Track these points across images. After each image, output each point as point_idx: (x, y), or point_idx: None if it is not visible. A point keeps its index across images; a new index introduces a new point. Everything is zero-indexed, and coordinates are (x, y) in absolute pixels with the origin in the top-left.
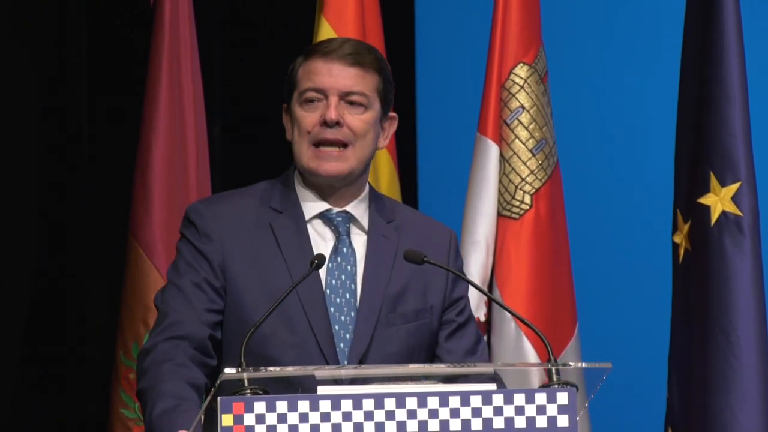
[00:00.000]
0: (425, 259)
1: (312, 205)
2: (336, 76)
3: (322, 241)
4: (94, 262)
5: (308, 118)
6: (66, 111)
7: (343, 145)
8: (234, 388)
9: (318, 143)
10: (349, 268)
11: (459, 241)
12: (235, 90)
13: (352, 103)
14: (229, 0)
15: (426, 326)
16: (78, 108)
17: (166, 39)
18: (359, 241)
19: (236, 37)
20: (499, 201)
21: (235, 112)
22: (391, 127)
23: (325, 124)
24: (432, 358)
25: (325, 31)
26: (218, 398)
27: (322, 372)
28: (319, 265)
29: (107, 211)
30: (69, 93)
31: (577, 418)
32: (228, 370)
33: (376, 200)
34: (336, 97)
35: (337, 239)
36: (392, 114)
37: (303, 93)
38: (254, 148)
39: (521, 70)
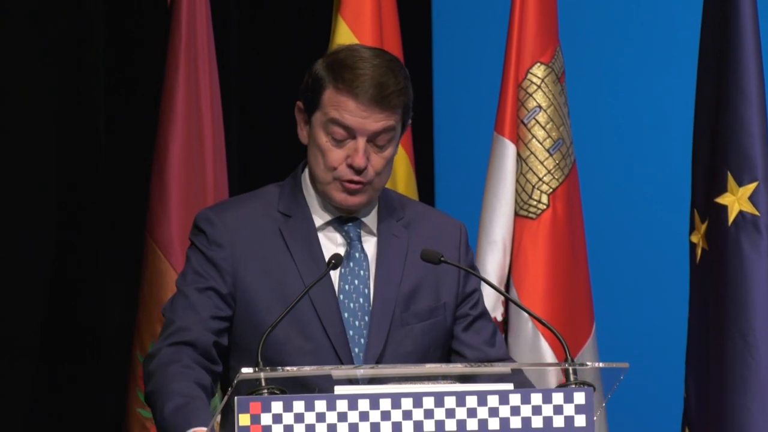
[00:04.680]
0: (442, 259)
1: (322, 212)
2: (367, 118)
3: (332, 246)
4: (111, 262)
5: (334, 153)
6: (83, 111)
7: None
8: (251, 388)
9: (341, 180)
10: (362, 272)
11: (475, 237)
12: (252, 90)
13: (377, 144)
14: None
15: (440, 324)
16: (95, 108)
17: (183, 39)
18: (370, 243)
19: (253, 36)
20: (516, 201)
21: (252, 111)
22: (405, 131)
23: (352, 167)
24: (447, 355)
25: (342, 31)
26: (235, 398)
27: (338, 372)
28: (336, 265)
29: (124, 211)
30: (86, 93)
31: (594, 418)
32: (245, 370)
33: (384, 198)
34: (364, 139)
35: (348, 244)
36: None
37: (330, 123)
38: (271, 148)
39: (538, 70)
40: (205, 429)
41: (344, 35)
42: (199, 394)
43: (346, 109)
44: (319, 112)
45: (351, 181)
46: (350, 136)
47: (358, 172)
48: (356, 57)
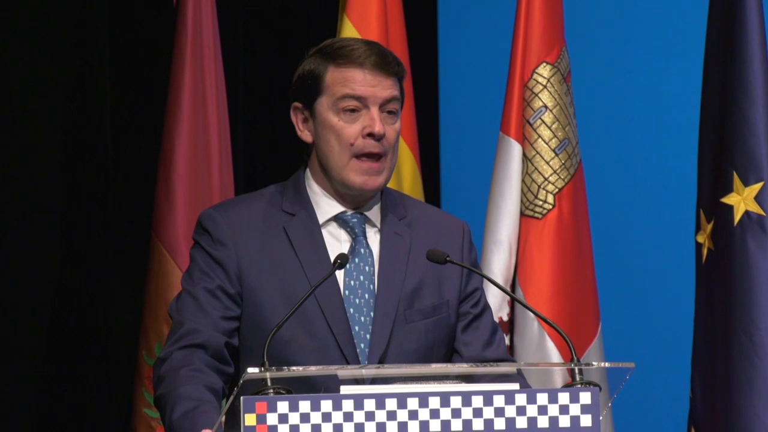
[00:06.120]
0: (448, 259)
1: (326, 209)
2: (376, 86)
3: (336, 242)
4: (117, 262)
5: (350, 129)
6: (89, 112)
7: (381, 156)
8: (256, 388)
9: (360, 155)
10: (367, 268)
11: (480, 237)
12: (258, 89)
13: (388, 112)
14: (252, 0)
15: (444, 321)
16: (101, 108)
17: (189, 39)
18: (374, 239)
19: (259, 37)
20: (522, 200)
21: (257, 111)
22: None
23: (371, 136)
24: (451, 352)
25: (348, 31)
26: (241, 397)
27: (344, 372)
28: (342, 265)
29: (131, 210)
30: (92, 94)
31: (600, 418)
32: (251, 370)
33: (386, 196)
34: (377, 107)
35: (353, 240)
36: None
37: (341, 99)
38: (277, 148)
39: (544, 70)
40: (209, 431)
41: (350, 36)
42: (209, 398)
43: (354, 80)
44: (324, 96)
45: (371, 154)
46: (363, 106)
47: (378, 139)
48: (343, 40)
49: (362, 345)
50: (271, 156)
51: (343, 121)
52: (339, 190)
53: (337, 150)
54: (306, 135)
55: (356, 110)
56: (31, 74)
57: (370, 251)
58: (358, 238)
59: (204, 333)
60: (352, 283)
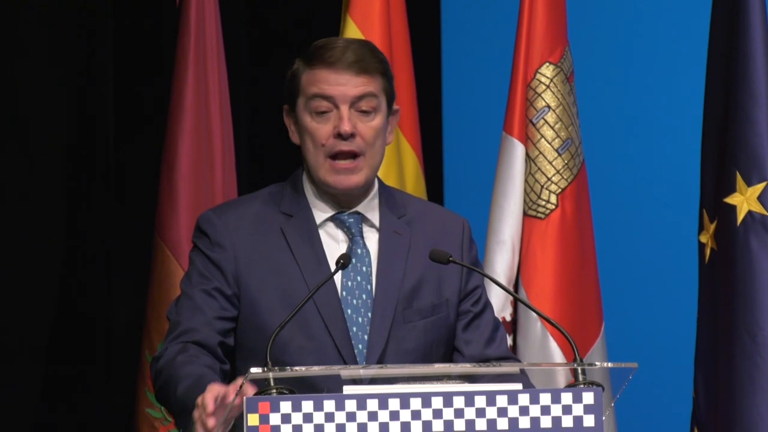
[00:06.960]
0: (451, 259)
1: (323, 209)
2: (345, 84)
3: (334, 243)
4: (120, 262)
5: (321, 130)
6: (93, 111)
7: (357, 155)
8: (259, 388)
9: (333, 156)
10: (364, 269)
11: (483, 236)
12: (261, 89)
13: (361, 110)
14: None
15: (443, 320)
16: (105, 108)
17: (192, 39)
18: (372, 239)
19: (262, 36)
20: (525, 200)
21: (260, 111)
22: (395, 120)
23: (340, 136)
24: (451, 352)
25: (351, 31)
26: (244, 398)
27: (346, 371)
28: (345, 265)
29: (134, 210)
30: (96, 93)
31: (603, 418)
32: (254, 370)
33: (385, 195)
34: (347, 106)
35: (350, 240)
36: (395, 107)
37: (311, 100)
38: (279, 148)
39: (547, 70)
40: (219, 384)
41: (353, 35)
42: (209, 373)
43: (324, 80)
44: (300, 98)
45: (341, 153)
46: (333, 106)
47: (346, 138)
48: (325, 40)
49: (360, 346)
50: (274, 156)
51: (315, 122)
52: (326, 191)
53: (312, 151)
54: (295, 137)
55: (327, 111)
56: (34, 74)
57: (368, 251)
58: (355, 238)
59: (200, 332)
60: (350, 283)
